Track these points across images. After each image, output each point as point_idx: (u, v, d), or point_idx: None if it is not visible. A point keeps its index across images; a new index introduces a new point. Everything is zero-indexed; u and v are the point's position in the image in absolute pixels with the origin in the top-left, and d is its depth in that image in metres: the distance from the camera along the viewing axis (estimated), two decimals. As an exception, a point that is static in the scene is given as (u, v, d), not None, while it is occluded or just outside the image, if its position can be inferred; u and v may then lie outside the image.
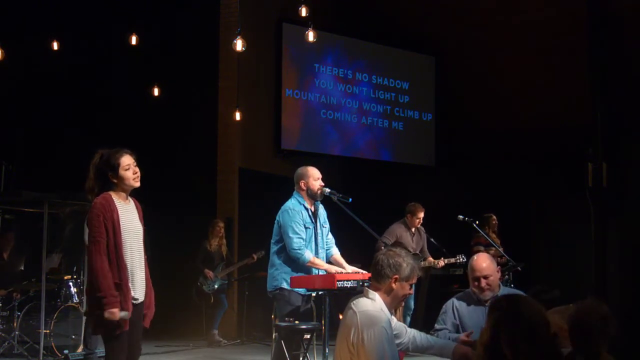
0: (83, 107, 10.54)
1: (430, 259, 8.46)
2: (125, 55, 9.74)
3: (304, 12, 7.40)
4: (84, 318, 7.24)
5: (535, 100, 10.90)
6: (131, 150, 4.24)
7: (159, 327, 4.99)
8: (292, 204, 5.36)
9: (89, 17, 10.11)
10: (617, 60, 9.72)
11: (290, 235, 5.21)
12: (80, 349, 7.60)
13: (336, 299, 4.99)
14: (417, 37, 11.93)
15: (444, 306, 4.36)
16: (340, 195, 5.40)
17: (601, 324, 2.89)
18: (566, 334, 2.97)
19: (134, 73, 10.13)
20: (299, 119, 11.08)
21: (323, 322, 5.04)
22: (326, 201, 5.50)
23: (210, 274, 9.20)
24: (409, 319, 8.17)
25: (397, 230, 8.35)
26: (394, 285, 3.55)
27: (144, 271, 4.21)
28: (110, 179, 4.15)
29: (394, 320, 3.72)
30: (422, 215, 8.37)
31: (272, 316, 5.88)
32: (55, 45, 8.75)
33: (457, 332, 4.19)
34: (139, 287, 4.15)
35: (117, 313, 3.95)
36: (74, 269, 8.06)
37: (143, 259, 4.22)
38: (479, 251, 7.37)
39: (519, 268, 7.94)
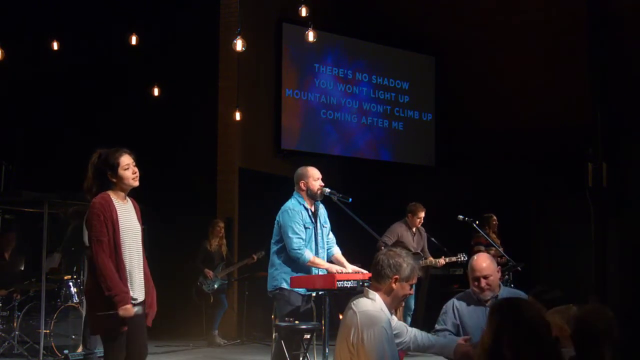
0: (83, 107, 10.54)
1: (431, 258, 8.46)
2: (125, 55, 9.73)
3: (304, 12, 7.40)
4: (84, 318, 7.25)
5: (535, 100, 10.90)
6: (131, 150, 4.24)
7: (159, 327, 4.98)
8: (292, 204, 5.36)
9: (89, 17, 10.11)
10: (617, 60, 9.74)
11: (290, 235, 5.21)
12: (80, 349, 7.59)
13: (336, 299, 4.99)
14: (417, 37, 11.93)
15: (444, 306, 4.36)
16: (340, 195, 5.40)
17: (607, 328, 2.88)
18: (566, 333, 2.97)
19: (134, 73, 10.13)
20: (299, 119, 11.08)
21: (323, 322, 5.04)
22: (326, 201, 5.50)
23: (210, 273, 9.20)
24: (409, 319, 8.16)
25: (398, 229, 8.35)
26: (394, 285, 3.55)
27: (142, 271, 4.20)
28: (110, 179, 4.14)
29: (394, 320, 3.72)
30: (423, 215, 8.38)
31: (272, 316, 5.88)
32: (55, 45, 8.75)
33: (458, 332, 4.19)
34: (137, 287, 4.14)
35: (131, 309, 3.96)
36: (74, 269, 8.05)
37: (142, 259, 4.21)
38: (479, 251, 7.36)
39: (519, 268, 7.94)
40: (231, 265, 9.49)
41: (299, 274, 5.22)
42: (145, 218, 4.31)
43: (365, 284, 4.41)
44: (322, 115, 11.22)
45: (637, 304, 8.74)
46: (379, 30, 11.86)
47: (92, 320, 4.02)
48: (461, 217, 7.77)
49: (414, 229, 8.43)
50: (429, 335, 3.92)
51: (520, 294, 4.25)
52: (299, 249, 5.19)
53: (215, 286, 9.27)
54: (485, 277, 4.19)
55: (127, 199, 4.24)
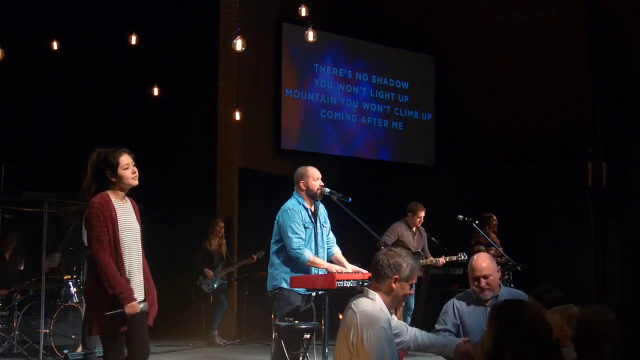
0: (83, 107, 10.54)
1: (431, 258, 8.46)
2: (125, 55, 9.73)
3: (304, 12, 7.40)
4: (84, 318, 7.24)
5: (535, 100, 10.90)
6: (131, 150, 4.24)
7: (159, 327, 4.98)
8: (291, 204, 5.36)
9: (89, 17, 10.11)
10: (617, 60, 9.73)
11: (290, 235, 5.21)
12: (80, 349, 7.59)
13: (336, 299, 4.99)
14: (417, 37, 11.92)
15: (444, 307, 4.36)
16: (340, 195, 5.40)
17: (608, 330, 2.88)
18: (567, 333, 2.97)
19: (134, 73, 10.13)
20: (299, 119, 11.07)
21: (323, 322, 5.03)
22: (326, 201, 5.50)
23: (210, 273, 9.20)
24: (409, 319, 8.16)
25: (399, 229, 8.36)
26: (394, 285, 3.55)
27: (142, 271, 4.20)
28: (109, 178, 4.14)
29: (394, 320, 3.72)
30: (423, 214, 8.39)
31: (272, 316, 5.87)
32: (55, 45, 8.75)
33: (458, 332, 4.19)
34: (137, 288, 4.13)
35: (137, 306, 3.96)
36: (74, 269, 8.05)
37: (142, 259, 4.21)
38: (479, 251, 7.36)
39: (519, 268, 7.94)
40: (231, 265, 9.49)
41: (299, 274, 5.22)
42: (145, 218, 4.31)
43: (366, 284, 4.41)
44: (322, 115, 11.22)
45: (637, 304, 8.74)
46: (379, 30, 11.86)
47: (96, 321, 3.99)
48: (461, 217, 7.77)
49: (414, 229, 8.44)
50: (430, 335, 3.92)
51: (521, 294, 4.25)
52: (299, 249, 5.19)
53: (215, 286, 9.27)
54: (486, 277, 4.19)
55: (127, 199, 4.23)
